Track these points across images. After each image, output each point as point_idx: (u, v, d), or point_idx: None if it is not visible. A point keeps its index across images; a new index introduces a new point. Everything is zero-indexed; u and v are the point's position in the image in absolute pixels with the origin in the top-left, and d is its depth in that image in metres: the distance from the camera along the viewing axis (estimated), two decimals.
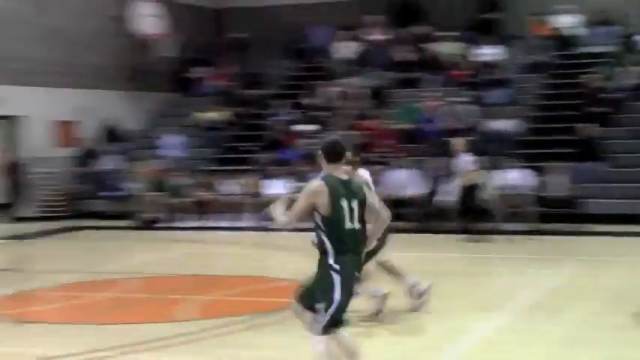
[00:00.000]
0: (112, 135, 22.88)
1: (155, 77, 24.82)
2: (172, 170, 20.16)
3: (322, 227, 6.24)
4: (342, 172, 6.41)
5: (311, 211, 6.24)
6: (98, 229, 19.08)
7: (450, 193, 16.88)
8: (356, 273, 6.37)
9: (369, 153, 19.24)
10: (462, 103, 20.43)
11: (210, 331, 9.07)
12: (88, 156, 21.97)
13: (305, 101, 22.81)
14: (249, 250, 16.04)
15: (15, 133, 21.00)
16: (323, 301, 6.23)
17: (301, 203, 6.28)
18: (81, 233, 19.02)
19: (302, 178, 19.17)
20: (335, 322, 6.24)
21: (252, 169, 19.77)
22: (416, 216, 17.53)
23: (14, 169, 20.54)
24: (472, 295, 10.94)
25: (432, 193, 17.71)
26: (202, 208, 19.37)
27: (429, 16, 24.49)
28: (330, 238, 6.25)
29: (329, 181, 6.30)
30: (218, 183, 19.60)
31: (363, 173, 9.17)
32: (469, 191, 16.27)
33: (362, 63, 23.54)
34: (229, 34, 26.83)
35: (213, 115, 22.68)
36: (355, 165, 8.82)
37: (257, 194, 18.77)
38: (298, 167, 19.35)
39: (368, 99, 21.99)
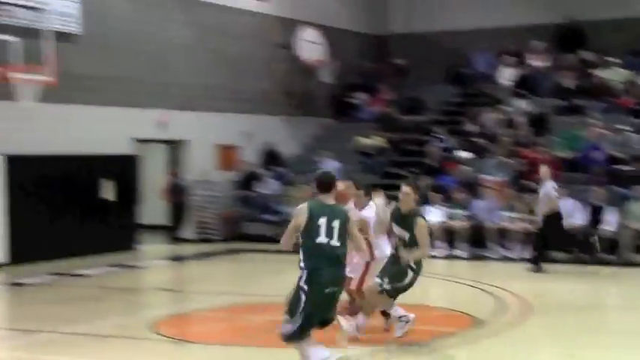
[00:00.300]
0: (272, 159, 23.23)
1: (315, 102, 25.16)
2: None
3: (300, 243, 7.15)
4: (331, 199, 7.37)
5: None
6: (256, 252, 19.34)
7: (610, 224, 16.43)
8: (331, 288, 7.15)
9: (529, 180, 18.78)
10: (627, 131, 19.71)
11: (363, 358, 8.95)
12: (249, 179, 22.37)
13: (465, 127, 22.53)
14: None
15: (178, 156, 21.63)
16: (288, 313, 7.25)
17: (290, 225, 7.26)
18: (239, 256, 19.34)
19: (459, 205, 18.90)
20: (298, 334, 7.22)
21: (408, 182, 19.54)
22: (579, 246, 17.06)
23: (177, 192, 21.12)
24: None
25: (594, 223, 17.23)
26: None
27: (593, 42, 23.79)
28: (304, 253, 7.13)
29: (311, 203, 7.26)
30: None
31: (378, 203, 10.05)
32: (551, 219, 15.93)
33: (524, 89, 23.06)
34: (390, 59, 26.89)
35: (371, 141, 22.67)
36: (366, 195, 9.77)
37: None
38: (456, 194, 19.07)
39: (529, 126, 21.47)
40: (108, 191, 18.82)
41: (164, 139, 21.31)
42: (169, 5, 21.08)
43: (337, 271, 7.31)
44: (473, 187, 19.45)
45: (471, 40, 25.57)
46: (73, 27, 18.47)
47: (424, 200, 18.89)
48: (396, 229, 9.47)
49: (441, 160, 21.14)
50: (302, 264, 7.22)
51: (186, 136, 21.55)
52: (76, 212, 18.00)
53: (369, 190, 10.27)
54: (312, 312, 7.21)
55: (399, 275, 9.42)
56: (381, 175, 22.18)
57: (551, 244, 16.41)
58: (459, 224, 18.44)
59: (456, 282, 14.82)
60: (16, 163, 17.09)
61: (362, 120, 24.65)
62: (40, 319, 11.73)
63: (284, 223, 20.14)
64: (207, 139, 21.83)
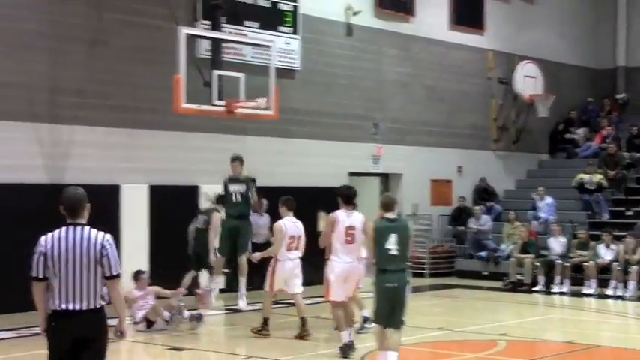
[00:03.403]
0: (486, 194, 23.18)
1: (532, 138, 24.94)
2: (545, 233, 19.98)
3: None
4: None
5: None
6: (467, 288, 19.34)
7: None
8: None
9: None
10: None
11: None
12: (461, 215, 22.42)
13: None
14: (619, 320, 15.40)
15: (391, 190, 22.00)
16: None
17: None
18: (450, 291, 19.39)
19: None
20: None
21: (631, 234, 18.99)
22: None
23: None
24: None
25: None
26: (577, 273, 18.90)
27: None
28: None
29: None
30: (595, 247, 19.01)
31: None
32: None
33: None
34: (611, 94, 26.27)
35: (591, 177, 22.16)
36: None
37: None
38: None
39: None
40: (323, 223, 19.41)
41: (377, 173, 21.79)
42: (385, 41, 21.63)
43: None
44: None
45: None
46: (293, 64, 19.36)
47: None
48: None
49: None
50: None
51: (399, 170, 21.96)
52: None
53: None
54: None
55: None
56: (601, 213, 21.63)
57: None
58: None
59: None
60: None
61: (581, 157, 24.17)
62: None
63: (498, 259, 20.27)
64: (420, 173, 22.13)
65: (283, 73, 18.32)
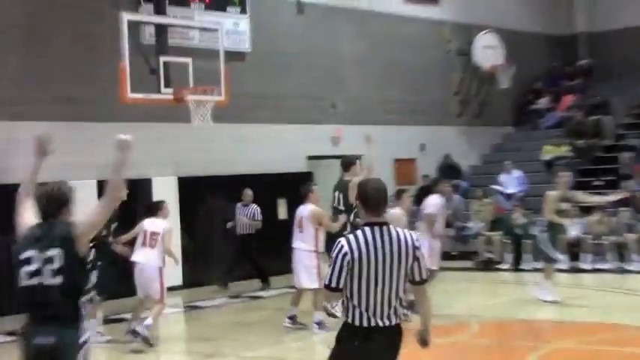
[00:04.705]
0: (451, 171, 23.18)
1: (494, 110, 25.00)
2: (513, 208, 20.05)
3: None
4: None
5: None
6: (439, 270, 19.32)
7: None
8: None
9: None
10: None
11: None
12: (426, 194, 22.36)
13: None
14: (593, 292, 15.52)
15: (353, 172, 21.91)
16: None
17: None
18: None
19: None
20: None
21: (598, 206, 19.10)
22: None
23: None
24: None
25: None
26: None
27: None
28: None
29: None
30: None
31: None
32: None
33: None
34: (574, 60, 26.40)
35: (556, 149, 22.28)
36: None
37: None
38: None
39: None
40: (282, 210, 19.36)
41: (338, 155, 21.68)
42: (338, 18, 21.53)
43: None
44: None
45: None
46: (243, 45, 19.19)
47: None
48: None
49: (632, 166, 20.50)
50: None
51: (360, 151, 21.86)
52: (257, 233, 18.32)
53: None
54: None
55: None
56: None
57: None
58: None
59: None
60: (189, 184, 17.83)
61: (546, 127, 24.29)
62: (220, 342, 12.24)
63: (466, 238, 20.30)
64: (382, 154, 22.06)
65: (233, 55, 18.18)
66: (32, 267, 5.44)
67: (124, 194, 11.01)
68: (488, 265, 19.36)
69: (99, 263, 11.39)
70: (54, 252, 5.42)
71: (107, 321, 14.54)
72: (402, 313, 5.71)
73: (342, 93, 21.44)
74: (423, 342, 5.90)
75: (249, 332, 12.94)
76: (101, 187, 16.28)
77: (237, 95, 17.27)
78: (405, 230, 5.75)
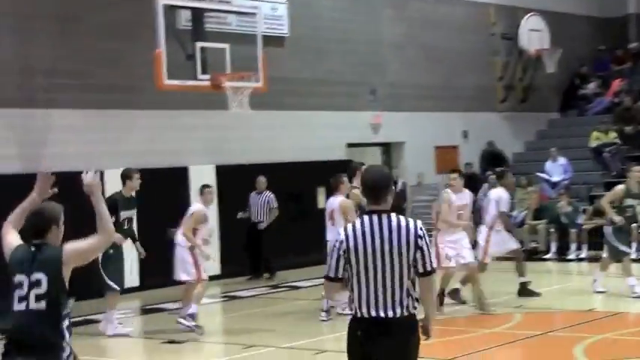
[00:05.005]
0: (495, 159, 22.84)
1: (540, 96, 24.63)
2: (558, 196, 19.72)
3: None
4: None
5: None
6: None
7: None
8: None
9: None
10: None
11: None
12: (469, 182, 22.09)
13: None
14: None
15: (393, 159, 21.75)
16: None
17: None
18: None
19: None
20: None
21: None
22: None
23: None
24: None
25: None
26: (593, 238, 18.65)
27: None
28: None
29: None
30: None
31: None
32: None
33: None
34: (624, 44, 25.92)
35: (604, 135, 21.85)
36: None
37: None
38: None
39: None
40: (322, 199, 19.19)
41: (378, 142, 21.51)
42: (378, 1, 21.29)
43: None
44: None
45: None
46: (281, 30, 19.03)
47: None
48: None
49: None
50: None
51: (400, 138, 21.67)
52: (296, 222, 18.22)
53: None
54: None
55: None
56: (617, 172, 21.37)
57: None
58: None
59: None
60: (227, 172, 17.70)
61: (594, 113, 23.87)
62: (258, 332, 12.13)
63: (513, 227, 19.96)
64: (423, 141, 21.83)
65: (271, 41, 18.06)
66: (22, 291, 5.38)
67: (118, 238, 11.07)
68: (532, 255, 19.04)
69: (111, 252, 11.37)
70: (40, 275, 5.34)
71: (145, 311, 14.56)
72: (411, 304, 5.44)
73: (381, 78, 21.21)
74: (425, 331, 5.62)
75: (286, 323, 12.83)
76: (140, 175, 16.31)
77: (275, 81, 17.15)
78: (410, 219, 5.54)
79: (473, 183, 21.86)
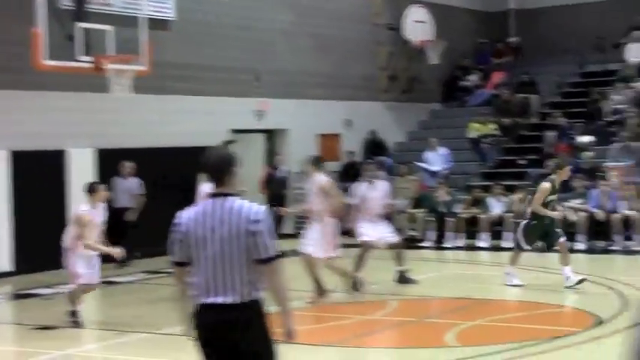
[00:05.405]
0: (376, 148, 23.20)
1: (423, 86, 25.05)
2: (437, 186, 20.16)
3: None
4: None
5: None
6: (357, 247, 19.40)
7: None
8: None
9: None
10: None
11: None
12: (350, 170, 22.41)
13: (586, 109, 22.09)
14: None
15: (277, 146, 21.85)
16: None
17: None
18: (344, 251, 19.34)
19: (579, 194, 18.53)
20: None
21: (524, 184, 19.35)
22: None
23: (275, 184, 21.26)
24: None
25: None
26: (470, 227, 19.18)
27: None
28: None
29: None
30: (487, 200, 19.31)
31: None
32: None
33: None
34: (504, 38, 26.59)
35: (483, 127, 22.44)
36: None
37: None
38: (575, 182, 18.67)
39: None
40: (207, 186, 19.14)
41: (262, 129, 21.58)
42: None
43: None
44: (593, 175, 19.04)
45: (593, 13, 25.10)
46: (166, 13, 18.88)
47: None
48: None
49: (556, 146, 20.74)
50: None
51: (285, 125, 21.79)
52: (178, 208, 17.99)
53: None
54: None
55: None
56: (494, 163, 22.01)
57: None
58: (578, 215, 18.09)
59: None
60: (108, 157, 17.50)
61: (474, 104, 24.45)
62: (133, 319, 12.09)
63: (388, 215, 20.28)
64: (307, 128, 22.00)
65: (157, 24, 17.89)
66: None
67: None
68: (410, 243, 19.42)
69: None
70: None
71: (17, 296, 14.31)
72: (245, 292, 5.22)
73: (268, 65, 21.26)
74: (288, 333, 5.39)
75: (161, 309, 12.81)
76: (15, 157, 16.00)
77: (160, 65, 17.04)
78: (249, 203, 5.33)
79: (354, 171, 22.20)
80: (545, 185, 13.08)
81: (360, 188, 13.93)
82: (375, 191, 13.90)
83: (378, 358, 10.49)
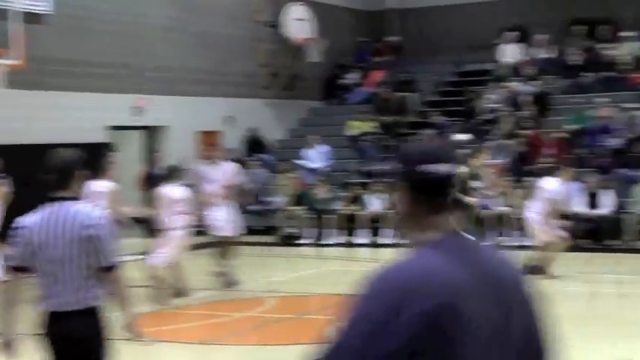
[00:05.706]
0: (256, 145, 23.25)
1: (303, 84, 25.19)
2: (317, 183, 20.32)
3: None
4: None
5: None
6: (239, 245, 19.40)
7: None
8: None
9: (529, 163, 18.89)
10: (635, 109, 19.81)
11: None
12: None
13: (463, 108, 22.61)
14: None
15: (156, 143, 21.65)
16: None
17: None
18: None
19: None
20: None
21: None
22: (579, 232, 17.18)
23: (153, 182, 21.05)
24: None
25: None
26: (349, 224, 19.41)
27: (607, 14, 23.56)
28: None
29: None
30: (366, 197, 19.58)
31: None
32: None
33: (528, 67, 23.05)
34: (383, 37, 26.94)
35: (363, 125, 22.73)
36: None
37: None
38: None
39: (532, 105, 21.52)
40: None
41: (141, 126, 21.35)
42: None
43: None
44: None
45: (469, 14, 25.68)
46: (42, 6, 18.50)
47: None
48: None
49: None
50: None
51: (164, 122, 21.62)
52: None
53: None
54: None
55: None
56: (373, 161, 22.29)
57: None
58: None
59: None
60: None
61: (354, 102, 24.70)
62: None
63: (270, 213, 20.40)
64: (187, 125, 21.87)
65: (32, 17, 17.52)
66: None
67: None
68: (289, 240, 19.56)
69: None
70: None
71: None
72: (92, 298, 5.23)
73: (148, 61, 21.03)
74: (133, 332, 5.46)
75: None
76: None
77: (34, 60, 16.67)
78: (87, 207, 5.33)
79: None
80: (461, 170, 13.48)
81: (203, 169, 13.78)
82: (218, 173, 13.71)
83: (255, 355, 10.52)
